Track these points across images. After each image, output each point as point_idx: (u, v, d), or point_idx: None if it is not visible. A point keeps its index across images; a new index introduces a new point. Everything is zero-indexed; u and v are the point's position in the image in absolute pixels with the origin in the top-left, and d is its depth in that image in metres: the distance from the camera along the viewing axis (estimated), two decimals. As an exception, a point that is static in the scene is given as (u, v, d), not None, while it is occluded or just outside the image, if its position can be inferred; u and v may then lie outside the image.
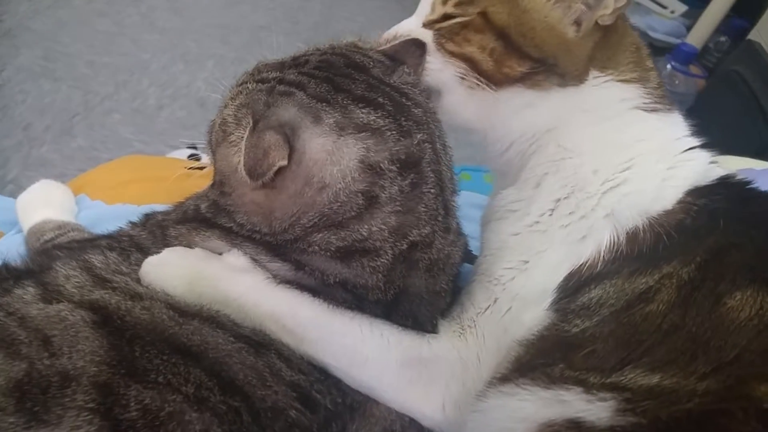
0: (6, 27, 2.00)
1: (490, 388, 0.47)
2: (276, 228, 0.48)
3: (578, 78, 0.54)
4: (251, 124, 0.47)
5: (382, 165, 0.48)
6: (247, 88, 0.50)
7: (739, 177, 0.54)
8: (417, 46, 0.56)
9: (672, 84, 2.02)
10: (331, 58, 0.53)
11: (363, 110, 0.48)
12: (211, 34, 2.23)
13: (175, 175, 0.80)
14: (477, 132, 0.59)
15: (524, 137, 0.57)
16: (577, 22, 0.54)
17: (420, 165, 0.50)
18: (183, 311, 0.45)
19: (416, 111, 0.52)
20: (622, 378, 0.41)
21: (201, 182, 0.69)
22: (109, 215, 0.72)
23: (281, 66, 0.53)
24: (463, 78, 0.55)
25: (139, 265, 0.49)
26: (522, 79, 0.54)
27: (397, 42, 0.56)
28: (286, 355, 0.46)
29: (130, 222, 0.59)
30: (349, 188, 0.47)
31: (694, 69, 2.06)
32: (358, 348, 0.48)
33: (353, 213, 0.48)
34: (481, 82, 0.54)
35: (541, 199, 0.54)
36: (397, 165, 0.48)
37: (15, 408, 0.36)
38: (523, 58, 0.53)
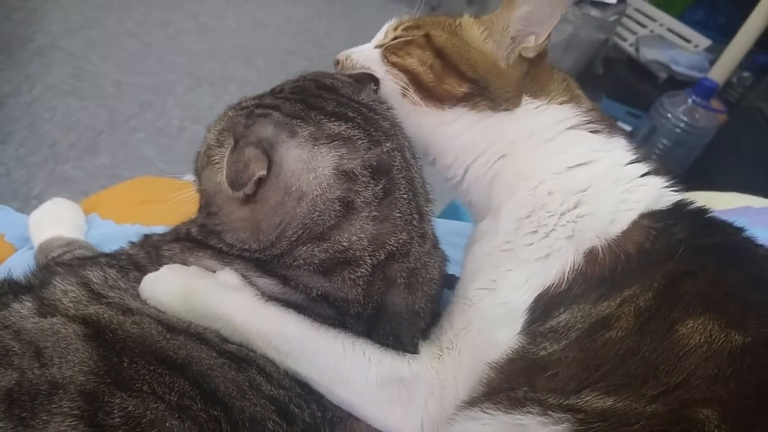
0: (38, 46, 2.09)
1: (458, 412, 0.49)
2: (264, 242, 0.51)
3: (509, 102, 0.59)
4: (232, 144, 0.50)
5: (355, 171, 0.51)
6: (228, 115, 0.55)
7: (695, 204, 0.56)
8: (371, 78, 0.61)
9: (692, 118, 2.00)
10: (303, 83, 0.57)
11: (335, 123, 0.52)
12: (236, 57, 2.30)
13: (181, 198, 0.82)
14: (426, 153, 0.62)
15: (476, 163, 0.60)
16: (507, 53, 0.60)
17: (391, 172, 0.53)
18: (171, 327, 0.48)
19: (384, 123, 0.56)
20: (579, 401, 0.43)
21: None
22: (118, 235, 0.74)
23: (259, 96, 0.57)
24: (404, 93, 0.60)
25: (137, 282, 0.52)
26: (464, 99, 0.59)
27: (355, 72, 0.62)
28: (267, 371, 0.48)
29: (130, 242, 0.62)
30: (325, 195, 0.50)
31: (715, 104, 2.05)
32: (339, 366, 0.50)
33: (332, 221, 0.50)
34: (421, 97, 0.59)
35: (505, 220, 0.57)
36: (369, 171, 0.52)
37: (4, 414, 0.38)
38: (461, 78, 0.59)
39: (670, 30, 2.44)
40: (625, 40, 2.48)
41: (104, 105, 1.93)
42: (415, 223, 0.54)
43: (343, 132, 0.52)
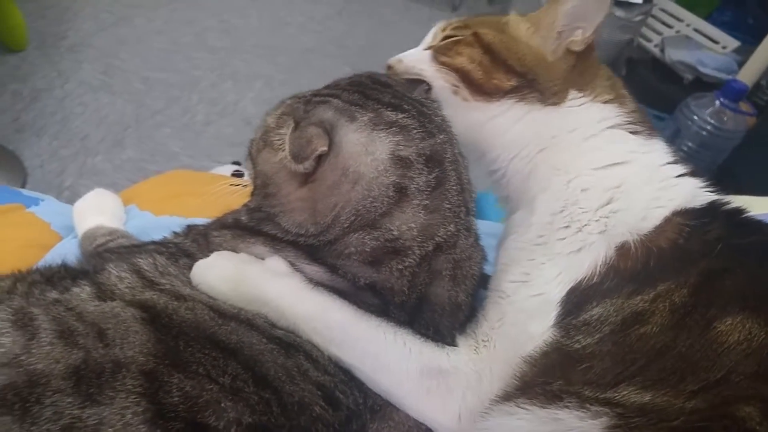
0: (70, 42, 2.17)
1: (493, 405, 0.50)
2: (320, 224, 0.53)
3: (557, 95, 0.62)
4: (293, 125, 0.53)
5: (410, 157, 0.53)
6: (286, 103, 0.58)
7: (731, 203, 0.56)
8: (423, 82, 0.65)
9: (720, 121, 1.99)
10: (358, 79, 0.61)
11: (391, 112, 0.55)
12: (260, 54, 2.35)
13: (219, 191, 0.86)
14: (475, 149, 0.65)
15: (519, 156, 0.63)
16: (554, 47, 0.63)
17: (443, 163, 0.56)
18: (222, 313, 0.50)
19: (436, 119, 0.59)
20: (616, 395, 0.44)
21: (242, 200, 0.75)
22: (156, 225, 0.79)
23: (315, 91, 0.60)
24: (455, 90, 0.63)
25: (186, 269, 0.55)
26: (512, 92, 0.62)
27: (406, 77, 0.66)
28: (314, 357, 0.50)
29: (174, 232, 0.66)
30: (381, 179, 0.53)
31: (743, 106, 2.03)
32: (381, 354, 0.51)
33: (384, 208, 0.52)
34: (471, 93, 0.62)
35: (538, 214, 0.59)
36: (423, 159, 0.54)
37: (72, 390, 0.41)
38: (509, 72, 0.62)
39: (697, 31, 2.42)
40: (650, 40, 2.47)
41: (132, 100, 2.00)
42: (462, 215, 0.56)
43: (400, 120, 0.54)
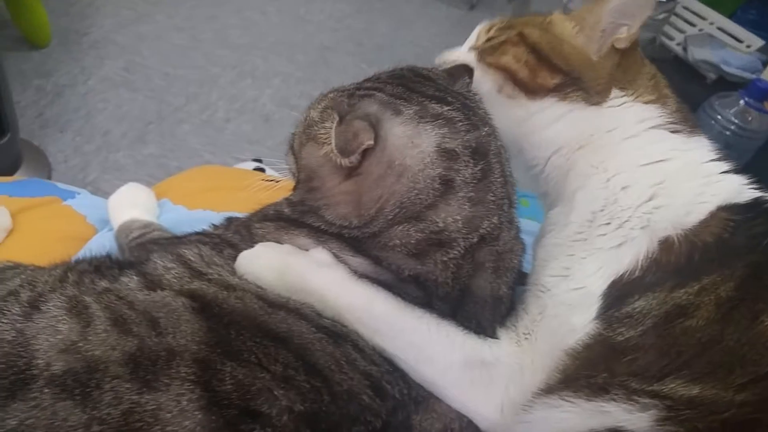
0: (93, 39, 2.20)
1: (536, 398, 0.50)
2: (364, 217, 0.54)
3: (601, 94, 0.62)
4: (337, 119, 0.54)
5: (456, 150, 0.54)
6: (329, 97, 0.59)
7: None
8: (466, 70, 0.65)
9: (744, 120, 1.97)
10: (400, 72, 0.62)
11: (436, 104, 0.56)
12: (278, 52, 2.37)
13: (253, 186, 0.88)
14: (514, 146, 0.66)
15: (558, 153, 0.64)
16: (598, 46, 0.63)
17: (488, 156, 0.56)
18: (271, 302, 0.51)
19: (479, 111, 0.60)
20: (663, 387, 0.44)
21: (276, 194, 0.76)
22: (190, 219, 0.80)
23: (357, 83, 0.61)
24: (500, 89, 0.65)
25: (231, 259, 0.55)
26: (555, 90, 0.63)
27: (449, 66, 0.66)
28: (360, 347, 0.51)
29: (213, 224, 0.67)
30: (426, 171, 0.53)
31: (768, 106, 2.01)
32: (424, 345, 0.52)
33: (430, 200, 0.53)
34: (515, 90, 0.64)
35: (578, 211, 0.59)
36: (469, 151, 0.55)
37: (130, 376, 0.42)
38: (553, 71, 0.63)
39: (720, 29, 2.40)
40: (672, 39, 2.45)
41: (153, 96, 2.02)
42: (505, 208, 0.57)
43: (445, 113, 0.55)
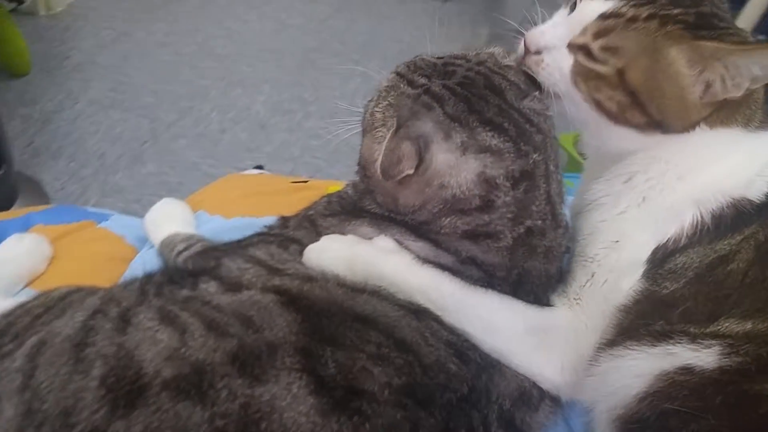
0: (75, 62, 2.20)
1: (600, 353, 0.56)
2: (402, 211, 0.59)
3: (683, 131, 0.59)
4: (394, 127, 0.57)
5: (497, 180, 0.57)
6: (399, 87, 0.60)
7: None
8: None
9: None
10: (473, 76, 0.61)
11: (488, 133, 0.57)
12: (264, 58, 2.39)
13: (287, 190, 0.91)
14: (583, 131, 0.69)
15: (630, 151, 0.64)
16: (707, 100, 0.57)
17: (533, 177, 0.59)
18: (352, 287, 0.55)
19: (537, 137, 0.60)
20: (719, 327, 0.50)
21: (308, 194, 0.79)
22: (229, 227, 0.83)
23: (433, 69, 0.62)
24: (583, 101, 0.60)
25: (297, 254, 0.59)
26: (638, 127, 0.59)
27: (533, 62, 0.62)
28: (440, 319, 0.56)
29: (266, 226, 0.70)
30: (466, 193, 0.57)
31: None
32: (489, 318, 0.58)
33: (473, 207, 0.57)
34: (600, 113, 0.60)
35: (630, 194, 0.62)
36: (511, 181, 0.58)
37: (238, 374, 0.45)
38: (644, 113, 0.59)
39: None
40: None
41: (145, 115, 2.03)
42: (548, 221, 0.60)
43: (494, 146, 0.57)
